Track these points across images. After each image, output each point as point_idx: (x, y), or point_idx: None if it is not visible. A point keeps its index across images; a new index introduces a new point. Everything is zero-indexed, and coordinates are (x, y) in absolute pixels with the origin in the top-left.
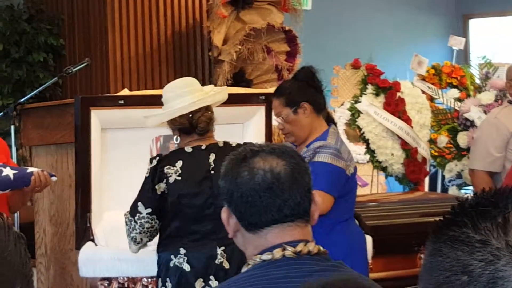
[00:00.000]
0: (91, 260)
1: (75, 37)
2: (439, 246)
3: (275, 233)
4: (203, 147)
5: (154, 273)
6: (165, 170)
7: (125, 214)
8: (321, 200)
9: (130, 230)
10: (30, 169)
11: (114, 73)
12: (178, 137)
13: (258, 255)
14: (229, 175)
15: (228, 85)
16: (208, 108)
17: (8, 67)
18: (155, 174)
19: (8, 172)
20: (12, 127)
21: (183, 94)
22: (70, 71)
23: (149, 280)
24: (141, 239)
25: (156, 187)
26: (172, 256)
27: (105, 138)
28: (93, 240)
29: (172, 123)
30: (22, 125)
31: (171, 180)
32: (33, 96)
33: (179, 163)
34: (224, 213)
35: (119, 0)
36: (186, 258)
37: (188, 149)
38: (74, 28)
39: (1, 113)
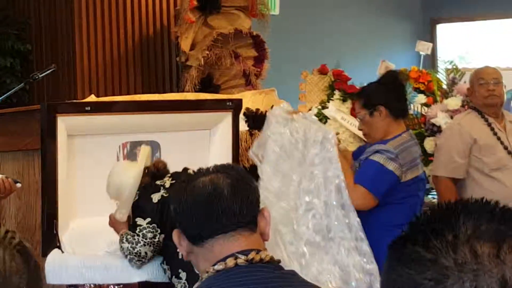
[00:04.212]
0: (57, 267)
1: (42, 42)
2: (394, 263)
3: (221, 244)
4: None
5: (122, 281)
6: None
7: (121, 235)
8: (360, 198)
9: (134, 245)
10: None
11: (81, 78)
12: None
13: (211, 267)
14: (176, 195)
15: (195, 91)
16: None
17: None
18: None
19: None
20: None
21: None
22: (37, 77)
23: (116, 287)
24: (146, 252)
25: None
26: None
27: (71, 144)
28: (59, 247)
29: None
30: None
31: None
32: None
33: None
34: (175, 235)
35: (86, 5)
36: None
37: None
38: (41, 33)
39: None
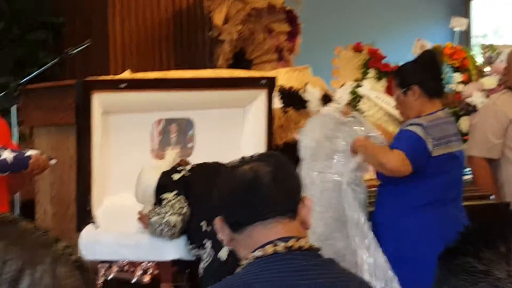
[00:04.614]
0: (91, 243)
1: (75, 16)
2: (445, 274)
3: (259, 231)
4: None
5: (155, 258)
6: None
7: (150, 212)
8: (398, 160)
9: (162, 215)
10: (28, 152)
11: (114, 53)
12: None
13: (251, 254)
14: (218, 183)
15: (228, 66)
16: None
17: (8, 45)
18: None
19: (7, 155)
20: (15, 107)
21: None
22: (71, 53)
23: (149, 264)
24: (175, 222)
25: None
26: None
27: (106, 121)
28: (93, 223)
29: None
30: (23, 105)
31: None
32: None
33: None
34: (218, 222)
35: None
36: None
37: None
38: (74, 7)
39: (3, 93)
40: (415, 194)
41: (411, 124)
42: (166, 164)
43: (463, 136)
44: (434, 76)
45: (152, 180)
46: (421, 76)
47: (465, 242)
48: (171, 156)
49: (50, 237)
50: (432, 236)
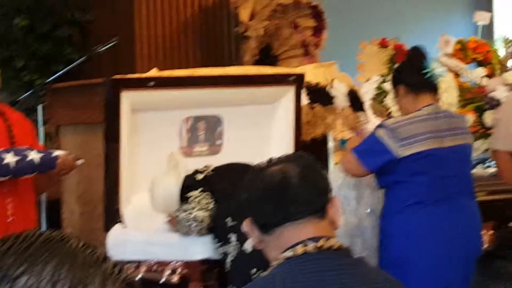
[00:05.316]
0: (120, 243)
1: (102, 13)
2: (483, 278)
3: (289, 231)
4: None
5: (184, 258)
6: None
7: (177, 210)
8: (348, 161)
9: (190, 210)
10: (55, 153)
11: (140, 50)
12: None
13: (281, 254)
14: (246, 185)
15: (254, 62)
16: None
17: (35, 42)
18: None
19: (34, 156)
20: (41, 105)
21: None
22: (99, 50)
23: (178, 263)
24: (203, 217)
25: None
26: None
27: (134, 119)
28: (122, 222)
29: None
30: (49, 103)
31: None
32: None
33: None
34: (247, 225)
35: None
36: None
37: None
38: (101, 3)
39: (30, 92)
40: (395, 198)
41: (377, 127)
42: (171, 167)
43: (488, 130)
44: (417, 71)
45: (169, 186)
46: (404, 74)
47: (503, 246)
48: (172, 158)
49: (99, 255)
50: (415, 238)
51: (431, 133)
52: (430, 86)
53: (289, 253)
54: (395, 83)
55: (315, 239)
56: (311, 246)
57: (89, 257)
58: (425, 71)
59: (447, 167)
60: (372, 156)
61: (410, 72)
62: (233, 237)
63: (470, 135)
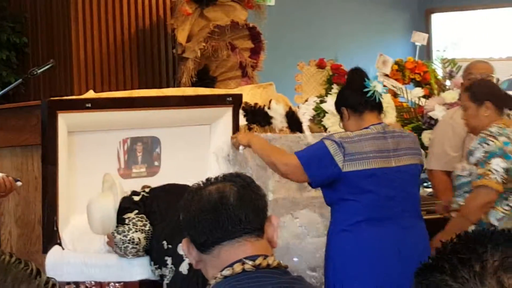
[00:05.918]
0: (58, 264)
1: (38, 35)
2: None
3: (227, 250)
4: None
5: (122, 278)
6: None
7: (113, 231)
8: (290, 164)
9: (126, 233)
10: None
11: (77, 71)
12: None
13: (220, 273)
14: (184, 204)
15: (192, 83)
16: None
17: None
18: None
19: None
20: None
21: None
22: (35, 73)
23: (117, 284)
24: (139, 238)
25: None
26: None
27: (72, 141)
28: (60, 244)
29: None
30: None
31: None
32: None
33: None
34: (184, 244)
35: None
36: None
37: None
38: (37, 26)
39: None
40: (340, 216)
41: (325, 138)
42: (107, 187)
43: (426, 150)
44: (358, 92)
45: (106, 207)
46: (346, 96)
47: (442, 259)
48: (108, 179)
49: (32, 271)
50: (358, 257)
51: (377, 152)
52: (373, 105)
53: (227, 272)
54: (338, 106)
55: (253, 257)
56: (249, 264)
57: (22, 272)
58: (366, 90)
59: (392, 187)
60: (317, 168)
61: (352, 94)
62: (169, 260)
63: (419, 155)
